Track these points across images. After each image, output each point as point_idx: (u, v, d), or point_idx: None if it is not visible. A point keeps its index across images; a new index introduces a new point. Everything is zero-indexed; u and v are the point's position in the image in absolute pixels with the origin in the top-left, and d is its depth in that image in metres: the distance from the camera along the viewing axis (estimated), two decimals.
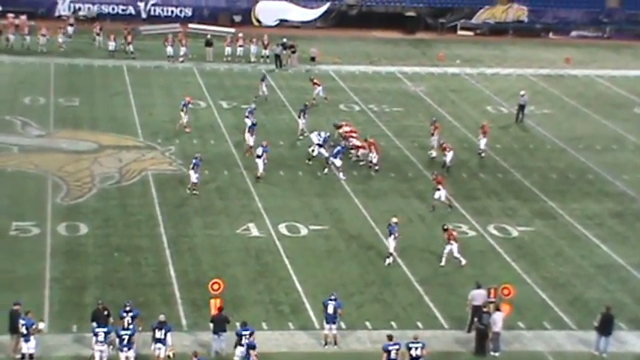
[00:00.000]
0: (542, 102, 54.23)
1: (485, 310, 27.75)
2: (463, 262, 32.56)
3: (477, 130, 46.61)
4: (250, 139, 42.08)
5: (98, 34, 59.84)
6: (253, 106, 45.15)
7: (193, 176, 37.25)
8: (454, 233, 32.91)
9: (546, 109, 53.11)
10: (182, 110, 45.10)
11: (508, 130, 49.10)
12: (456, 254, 32.43)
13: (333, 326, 27.16)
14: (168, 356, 25.65)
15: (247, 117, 44.00)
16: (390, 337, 25.62)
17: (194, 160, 37.59)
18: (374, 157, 41.01)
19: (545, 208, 38.80)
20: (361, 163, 41.47)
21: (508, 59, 64.67)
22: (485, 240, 35.40)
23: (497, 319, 27.33)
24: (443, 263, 32.55)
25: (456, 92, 55.83)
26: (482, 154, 43.95)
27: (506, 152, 45.17)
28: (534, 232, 36.35)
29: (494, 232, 36.13)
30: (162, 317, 25.95)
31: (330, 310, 27.07)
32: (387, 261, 32.33)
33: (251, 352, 25.04)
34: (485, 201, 39.13)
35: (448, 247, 32.48)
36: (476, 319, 27.83)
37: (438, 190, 37.04)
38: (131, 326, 25.59)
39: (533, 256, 34.33)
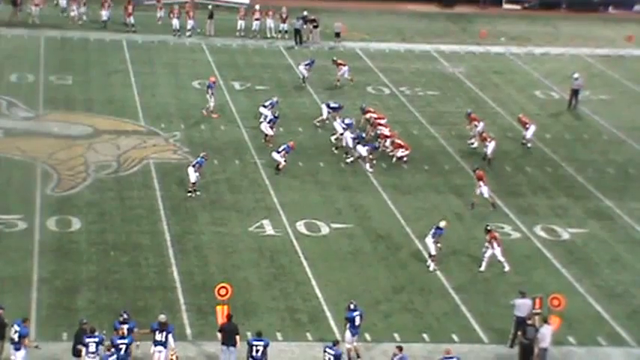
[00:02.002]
0: (599, 86, 53.96)
1: (530, 322, 27.66)
2: (507, 267, 32.50)
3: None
4: (269, 130, 42.12)
5: (109, 5, 59.41)
6: (275, 99, 45.00)
7: (192, 175, 36.93)
8: (497, 235, 32.85)
9: (604, 94, 52.84)
10: (207, 93, 45.22)
11: (559, 117, 48.91)
12: (500, 258, 32.40)
13: (355, 337, 27.25)
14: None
15: (266, 107, 43.90)
16: (400, 348, 25.58)
17: (198, 159, 37.37)
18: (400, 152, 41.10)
19: (601, 207, 38.65)
20: (390, 153, 41.45)
21: (560, 37, 64.38)
22: (531, 243, 35.31)
23: (545, 334, 27.22)
24: (483, 268, 32.52)
25: (500, 74, 55.65)
26: (529, 145, 43.79)
27: (557, 143, 44.99)
28: (588, 235, 36.22)
29: (542, 233, 36.03)
30: (162, 317, 26.09)
31: (358, 321, 27.19)
32: (432, 266, 32.36)
33: None
34: (531, 198, 39.02)
35: (490, 251, 32.44)
36: (520, 333, 27.75)
37: (480, 186, 37.00)
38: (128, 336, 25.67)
39: (586, 261, 34.21)
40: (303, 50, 57.41)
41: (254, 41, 58.62)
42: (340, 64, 51.12)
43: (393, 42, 60.68)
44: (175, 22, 58.11)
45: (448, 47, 60.22)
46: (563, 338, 28.69)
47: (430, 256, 32.53)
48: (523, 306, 28.21)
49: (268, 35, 59.39)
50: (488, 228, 33.02)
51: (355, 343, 27.32)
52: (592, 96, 51.86)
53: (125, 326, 25.81)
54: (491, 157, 41.43)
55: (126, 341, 25.38)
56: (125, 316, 26.11)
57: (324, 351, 25.81)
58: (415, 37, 62.28)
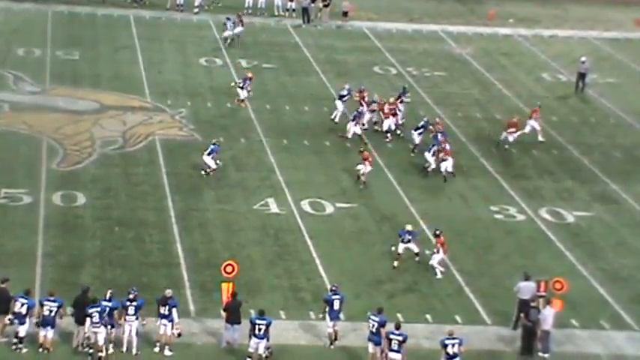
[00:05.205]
0: (607, 69, 53.74)
1: (533, 305, 27.61)
2: (439, 275, 30.87)
3: (530, 100, 46.48)
4: (357, 129, 40.34)
5: None
6: (347, 86, 43.04)
7: (211, 162, 36.51)
8: (444, 242, 30.93)
9: (611, 77, 52.63)
10: (240, 86, 43.78)
11: (566, 100, 48.71)
12: (436, 264, 30.84)
13: (338, 322, 26.98)
14: (173, 334, 25.90)
15: (341, 99, 42.35)
16: (397, 326, 25.51)
17: (212, 146, 36.88)
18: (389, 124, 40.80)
19: (607, 191, 38.54)
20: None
21: (569, 19, 64.09)
22: (536, 225, 35.23)
23: (548, 316, 27.19)
24: (439, 276, 30.86)
25: (508, 56, 55.45)
26: (506, 146, 41.10)
27: (563, 126, 44.82)
28: (593, 218, 36.13)
29: (547, 216, 35.95)
30: (168, 292, 26.17)
31: (337, 306, 26.90)
32: (396, 263, 31.25)
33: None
34: (537, 181, 38.92)
35: (437, 257, 30.90)
36: (522, 315, 27.71)
37: (363, 164, 36.58)
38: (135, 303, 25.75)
39: (590, 245, 34.14)
40: (311, 29, 57.23)
41: (261, 19, 58.44)
42: (241, 21, 52.51)
43: (401, 22, 60.44)
44: None
45: (456, 28, 59.98)
46: (566, 321, 28.64)
47: (415, 254, 31.27)
48: (526, 288, 28.16)
49: (276, 13, 59.20)
50: (437, 233, 31.34)
51: (335, 327, 26.88)
52: (599, 79, 51.66)
53: (133, 304, 25.69)
54: (450, 172, 37.95)
55: (136, 303, 25.62)
56: (133, 293, 25.92)
57: (369, 318, 25.83)
58: (423, 17, 62.03)
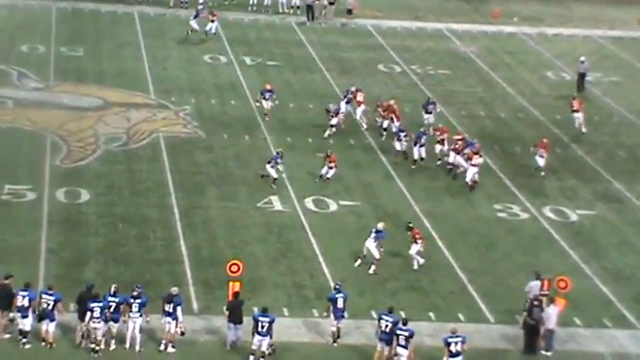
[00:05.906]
0: (611, 68, 53.68)
1: (536, 303, 27.58)
2: (416, 265, 31.04)
3: (534, 98, 46.45)
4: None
5: None
6: (354, 88, 42.74)
7: (272, 171, 35.85)
8: (419, 233, 31.31)
9: (615, 76, 52.57)
10: (263, 97, 42.43)
11: (569, 99, 48.60)
12: (414, 254, 31.00)
13: (342, 321, 26.96)
14: (177, 332, 25.90)
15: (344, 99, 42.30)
16: (405, 322, 25.56)
17: (274, 155, 36.31)
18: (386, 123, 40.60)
19: (610, 189, 38.50)
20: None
21: (573, 18, 64.01)
22: (539, 224, 35.20)
23: (552, 315, 27.17)
24: (415, 267, 31.19)
25: (512, 54, 55.39)
26: (542, 172, 39.42)
27: (567, 124, 44.68)
28: (596, 217, 36.09)
29: (551, 215, 35.92)
30: (174, 290, 26.20)
31: (340, 304, 26.82)
32: (372, 269, 30.83)
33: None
34: (540, 179, 38.87)
35: (415, 247, 31.07)
36: (526, 314, 27.67)
37: (328, 167, 36.48)
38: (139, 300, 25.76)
39: (594, 243, 34.11)
40: (315, 26, 57.19)
41: (266, 16, 58.42)
42: (213, 19, 52.44)
43: (406, 20, 60.38)
44: None
45: (460, 26, 59.93)
46: (569, 319, 28.62)
47: (374, 259, 30.87)
48: (536, 288, 28.11)
49: (280, 10, 59.18)
50: (410, 225, 31.65)
51: (339, 325, 26.83)
52: (603, 78, 51.62)
53: (137, 301, 25.75)
54: (473, 184, 37.49)
55: (141, 300, 25.65)
56: (138, 290, 25.94)
57: (380, 318, 25.83)
58: (428, 15, 61.97)
